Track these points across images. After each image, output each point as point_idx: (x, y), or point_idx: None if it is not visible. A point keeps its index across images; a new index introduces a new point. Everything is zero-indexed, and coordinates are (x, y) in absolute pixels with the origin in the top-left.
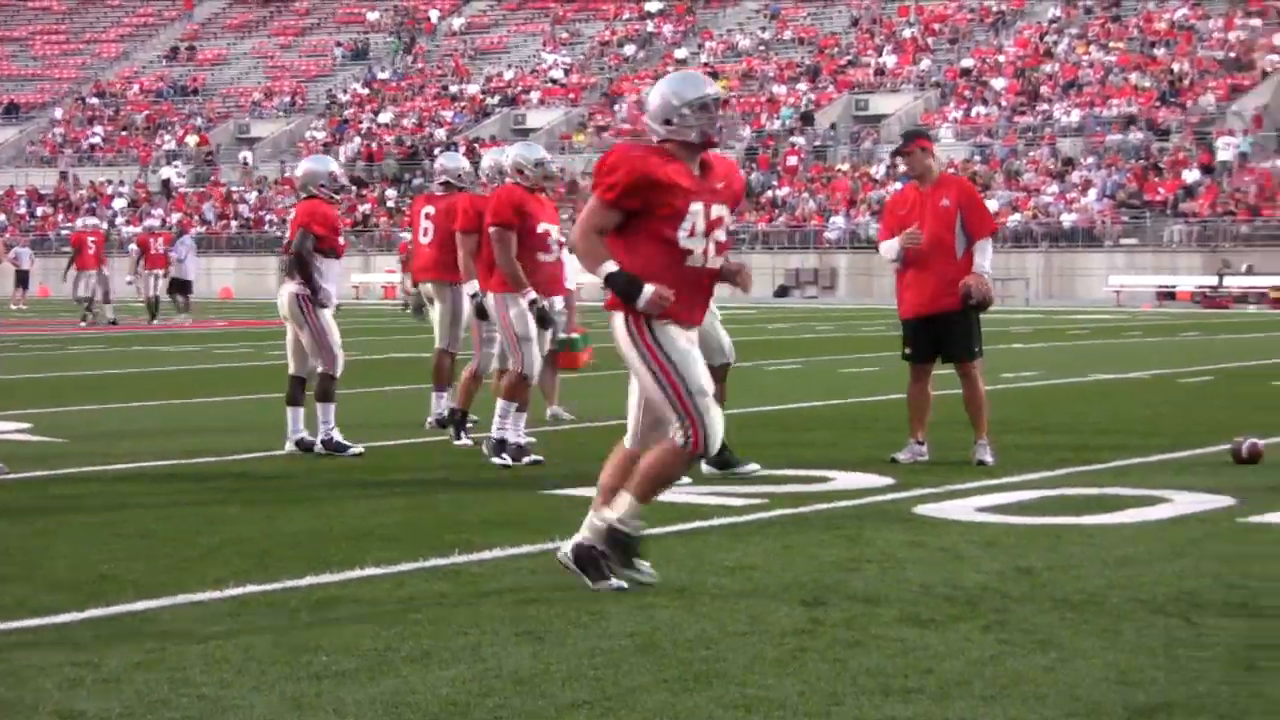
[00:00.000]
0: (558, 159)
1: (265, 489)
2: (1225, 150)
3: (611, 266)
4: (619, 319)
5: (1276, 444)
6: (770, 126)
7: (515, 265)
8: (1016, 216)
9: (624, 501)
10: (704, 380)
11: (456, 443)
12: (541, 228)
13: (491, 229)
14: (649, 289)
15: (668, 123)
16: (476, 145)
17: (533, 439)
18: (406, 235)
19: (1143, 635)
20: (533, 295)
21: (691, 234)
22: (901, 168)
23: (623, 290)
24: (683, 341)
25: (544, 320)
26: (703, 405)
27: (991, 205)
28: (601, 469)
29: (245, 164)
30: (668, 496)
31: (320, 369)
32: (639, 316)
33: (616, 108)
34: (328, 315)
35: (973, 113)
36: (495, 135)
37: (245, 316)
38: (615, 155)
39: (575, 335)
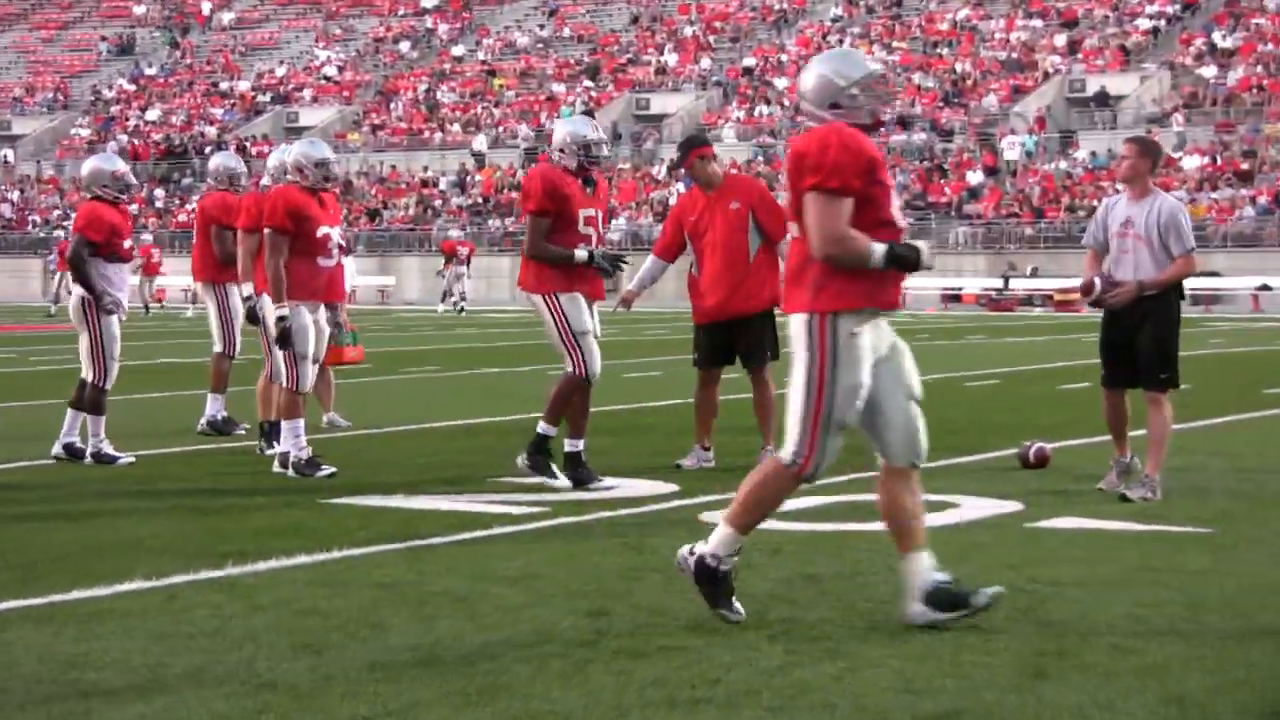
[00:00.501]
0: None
1: (30, 501)
2: (1011, 150)
3: (882, 246)
4: (799, 320)
5: (1063, 448)
6: (550, 126)
7: (281, 273)
8: None
9: (720, 533)
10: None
11: (267, 452)
12: (322, 231)
13: (266, 231)
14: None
15: (835, 106)
16: (248, 144)
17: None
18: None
19: (931, 643)
20: (285, 311)
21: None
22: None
23: (909, 259)
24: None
25: (283, 338)
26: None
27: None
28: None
29: (6, 162)
30: (449, 504)
31: (90, 379)
32: (825, 320)
33: (393, 105)
34: (113, 323)
35: (755, 112)
36: (267, 134)
37: (7, 320)
38: (841, 139)
39: (346, 332)
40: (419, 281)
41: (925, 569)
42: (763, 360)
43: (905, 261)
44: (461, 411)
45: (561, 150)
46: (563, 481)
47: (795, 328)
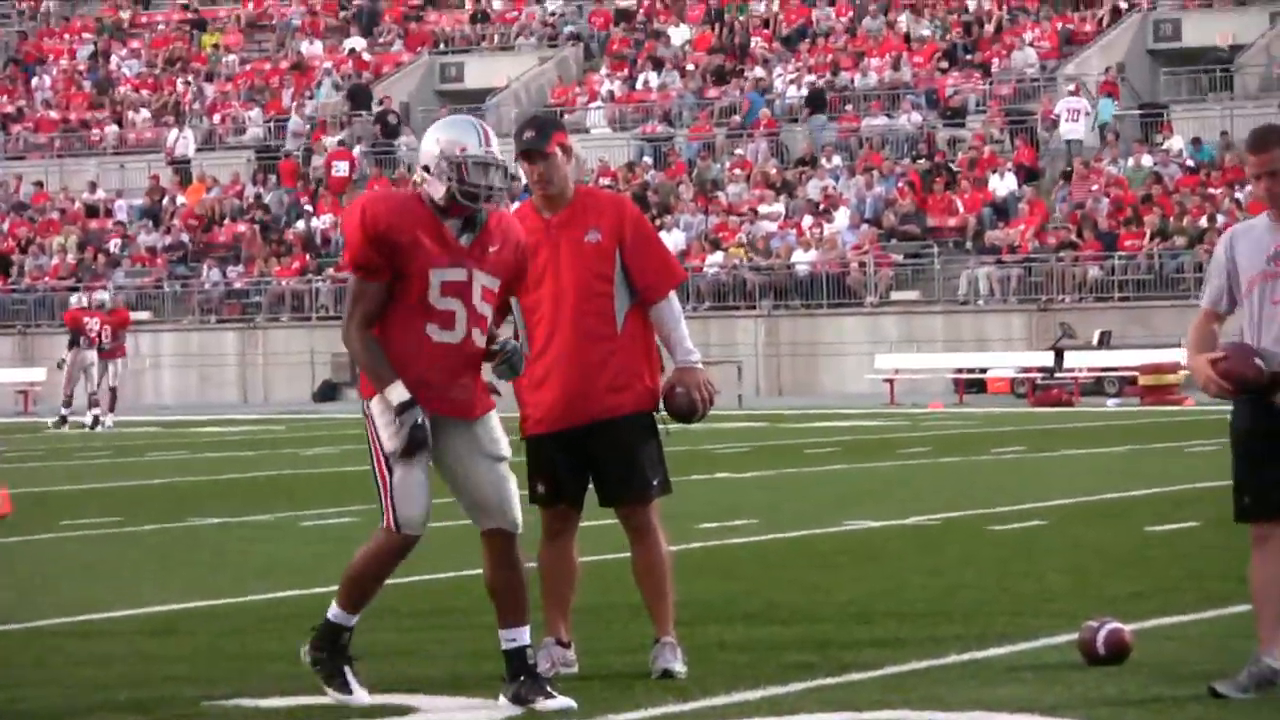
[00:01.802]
0: None
1: None
2: (1069, 128)
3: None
4: None
5: (1151, 629)
6: (301, 108)
7: None
8: (717, 258)
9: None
10: None
11: None
12: None
13: None
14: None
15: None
16: None
17: None
18: None
19: None
20: None
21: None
22: (520, 178)
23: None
24: None
25: None
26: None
27: (672, 241)
28: None
29: None
30: None
31: None
32: None
33: None
34: None
35: (638, 83)
36: None
37: None
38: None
39: None
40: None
41: None
42: (643, 494)
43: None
44: (170, 591)
45: (428, 170)
46: (360, 697)
47: None
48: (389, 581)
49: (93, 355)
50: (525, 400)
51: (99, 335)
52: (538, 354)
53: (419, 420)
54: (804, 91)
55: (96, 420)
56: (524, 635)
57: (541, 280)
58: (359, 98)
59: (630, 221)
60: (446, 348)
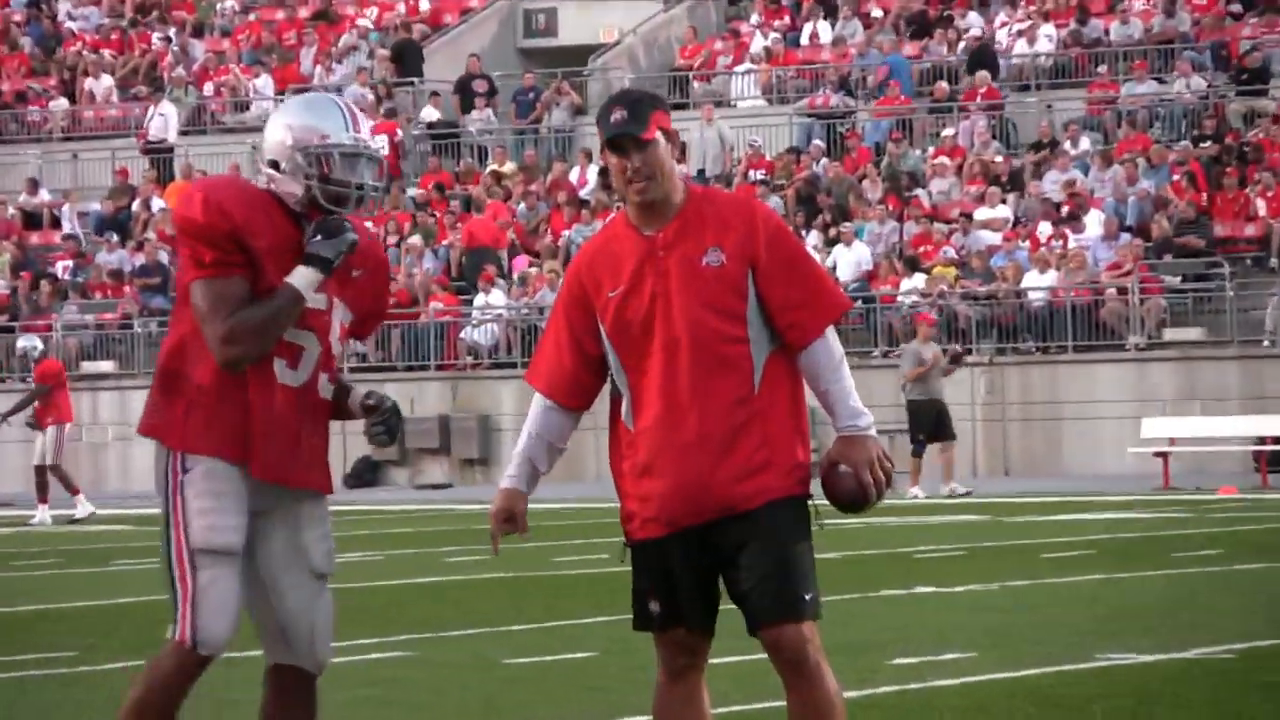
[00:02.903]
0: None
1: None
2: None
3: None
4: None
5: None
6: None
7: None
8: (916, 283)
9: None
10: None
11: None
12: None
13: None
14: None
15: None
16: None
17: None
18: None
19: None
20: None
21: None
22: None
23: None
24: None
25: None
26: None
27: (853, 258)
28: None
29: None
30: None
31: None
32: None
33: None
34: None
35: (803, 37)
36: None
37: None
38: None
39: None
40: (22, 458)
41: None
42: (795, 607)
43: None
44: None
45: (276, 166)
46: None
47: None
48: None
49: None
50: (629, 491)
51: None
52: (645, 427)
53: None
54: (1039, 48)
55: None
56: None
57: (647, 323)
58: (407, 59)
59: (766, 232)
60: (288, 393)
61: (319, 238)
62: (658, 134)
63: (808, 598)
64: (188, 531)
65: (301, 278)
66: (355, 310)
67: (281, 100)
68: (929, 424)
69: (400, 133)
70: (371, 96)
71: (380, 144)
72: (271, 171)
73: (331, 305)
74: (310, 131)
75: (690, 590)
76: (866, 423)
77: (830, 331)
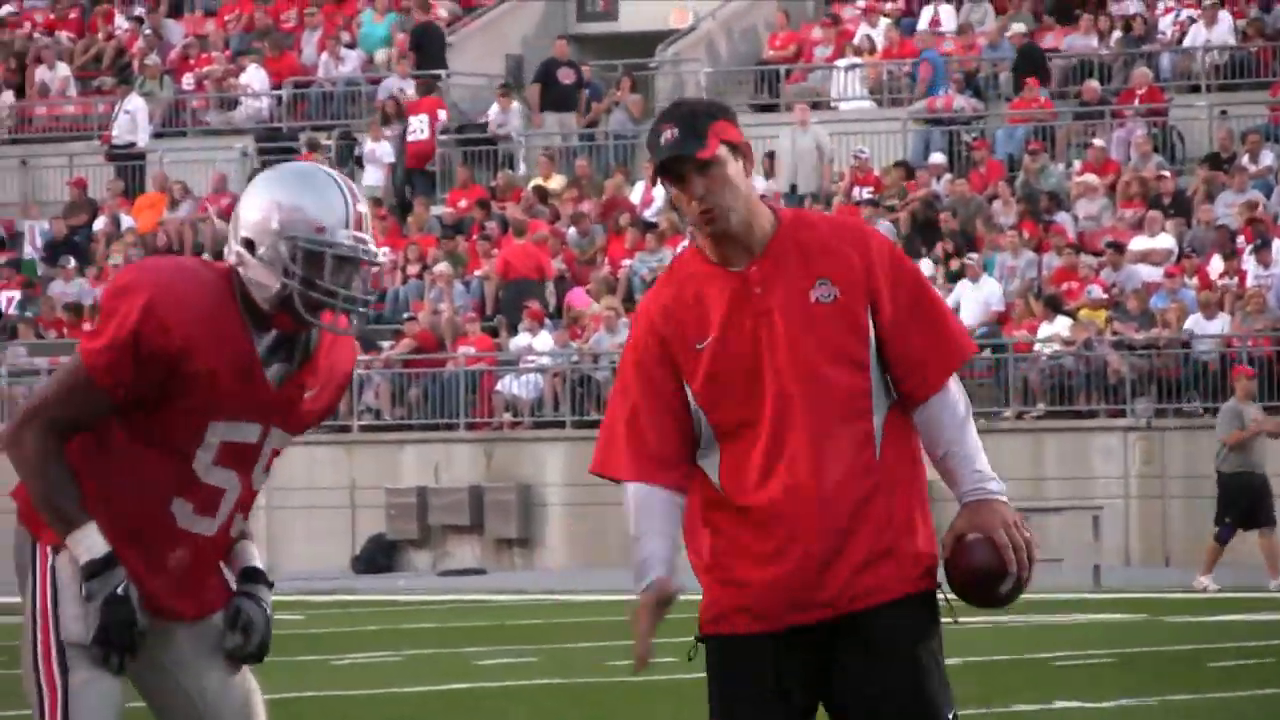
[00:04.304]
0: None
1: None
2: None
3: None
4: None
5: None
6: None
7: None
8: (1059, 327)
9: None
10: None
11: None
12: None
13: None
14: None
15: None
16: None
17: None
18: None
19: None
20: None
21: None
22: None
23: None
24: None
25: None
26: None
27: (981, 295)
28: None
29: None
30: None
31: None
32: None
33: None
34: None
35: (920, 23)
36: None
37: None
38: None
39: None
40: None
41: None
42: None
43: None
44: None
45: (251, 246)
46: None
47: None
48: None
49: None
50: (717, 577)
51: None
52: (748, 502)
53: (119, 590)
54: (1209, 39)
55: None
56: None
57: (750, 377)
58: (429, 47)
59: (884, 263)
60: (194, 540)
61: (84, 588)
62: (721, 149)
63: (947, 711)
64: (58, 624)
65: (81, 546)
66: (295, 430)
67: (278, 97)
68: (1244, 503)
69: (443, 115)
70: (413, 92)
71: (382, 253)
72: (244, 252)
73: (266, 436)
74: (302, 219)
75: (784, 704)
76: (998, 487)
77: (954, 382)
